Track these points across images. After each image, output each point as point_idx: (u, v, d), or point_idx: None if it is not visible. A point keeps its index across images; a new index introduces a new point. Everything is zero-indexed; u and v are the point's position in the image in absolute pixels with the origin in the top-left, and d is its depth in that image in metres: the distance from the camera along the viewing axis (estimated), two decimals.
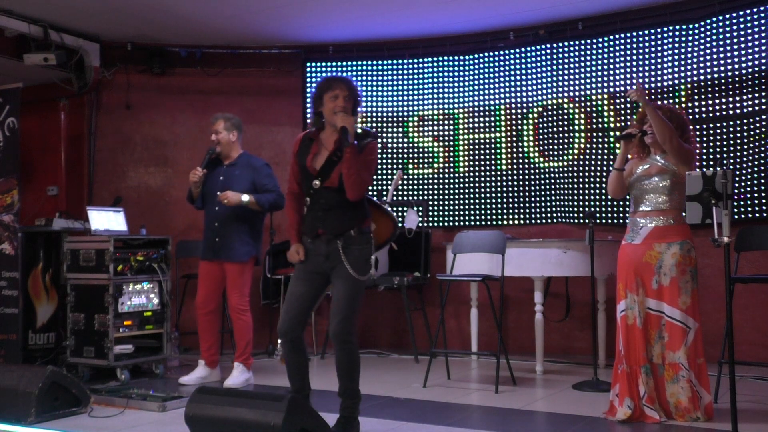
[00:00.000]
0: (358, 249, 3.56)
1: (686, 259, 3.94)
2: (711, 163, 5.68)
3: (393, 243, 6.34)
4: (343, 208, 3.58)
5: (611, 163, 6.04)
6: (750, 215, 5.54)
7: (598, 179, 6.15)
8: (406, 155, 6.97)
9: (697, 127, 5.77)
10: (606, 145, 6.15)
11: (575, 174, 6.24)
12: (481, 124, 6.72)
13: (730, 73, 5.68)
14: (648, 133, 4.02)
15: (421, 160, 6.93)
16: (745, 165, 5.57)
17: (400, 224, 6.69)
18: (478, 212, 6.71)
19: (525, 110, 6.56)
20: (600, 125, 6.21)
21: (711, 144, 5.73)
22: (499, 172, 6.64)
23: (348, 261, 3.53)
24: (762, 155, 5.47)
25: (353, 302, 3.54)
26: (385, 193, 6.78)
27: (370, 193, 6.88)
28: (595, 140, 6.21)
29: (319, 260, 3.60)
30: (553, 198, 6.39)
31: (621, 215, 6.01)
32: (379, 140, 3.54)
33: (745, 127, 5.60)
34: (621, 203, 5.89)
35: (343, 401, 3.62)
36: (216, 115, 5.23)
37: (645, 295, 3.96)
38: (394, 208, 6.90)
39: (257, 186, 5.03)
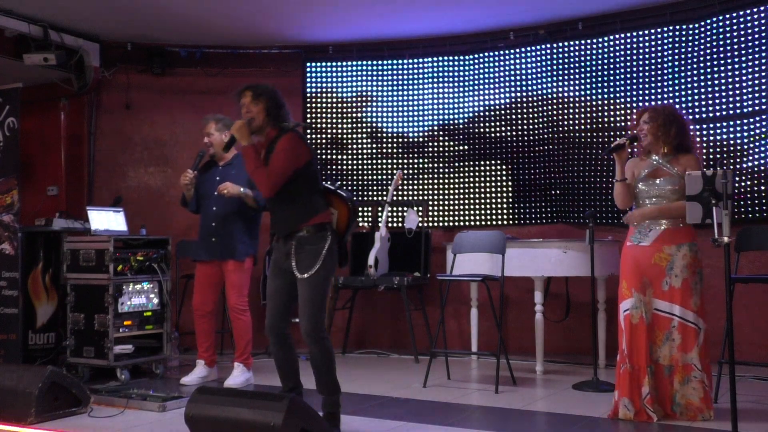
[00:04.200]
0: (311, 248, 3.57)
1: (695, 261, 3.96)
2: (711, 163, 5.68)
3: (388, 238, 6.36)
4: (285, 208, 3.62)
5: (611, 163, 6.07)
6: (750, 215, 5.54)
7: (598, 179, 6.15)
8: (405, 155, 6.97)
9: (697, 127, 5.77)
10: (608, 145, 6.15)
11: (576, 174, 6.25)
12: (481, 123, 6.72)
13: (729, 73, 5.69)
14: (640, 138, 4.03)
15: (421, 160, 6.93)
16: (745, 165, 5.57)
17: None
18: (478, 212, 6.71)
19: (525, 110, 6.57)
20: (600, 124, 6.20)
21: (711, 144, 5.73)
22: (500, 172, 6.64)
23: (295, 260, 3.56)
24: (762, 155, 5.47)
25: (314, 299, 3.55)
26: (385, 193, 6.78)
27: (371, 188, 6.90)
28: (595, 140, 6.21)
29: (281, 258, 3.65)
30: (553, 198, 6.39)
31: (621, 215, 6.00)
32: (300, 130, 3.67)
33: (745, 127, 5.60)
34: None
35: (324, 398, 3.62)
36: (206, 116, 5.19)
37: (653, 296, 3.96)
38: (394, 208, 6.90)
39: (254, 186, 5.02)
